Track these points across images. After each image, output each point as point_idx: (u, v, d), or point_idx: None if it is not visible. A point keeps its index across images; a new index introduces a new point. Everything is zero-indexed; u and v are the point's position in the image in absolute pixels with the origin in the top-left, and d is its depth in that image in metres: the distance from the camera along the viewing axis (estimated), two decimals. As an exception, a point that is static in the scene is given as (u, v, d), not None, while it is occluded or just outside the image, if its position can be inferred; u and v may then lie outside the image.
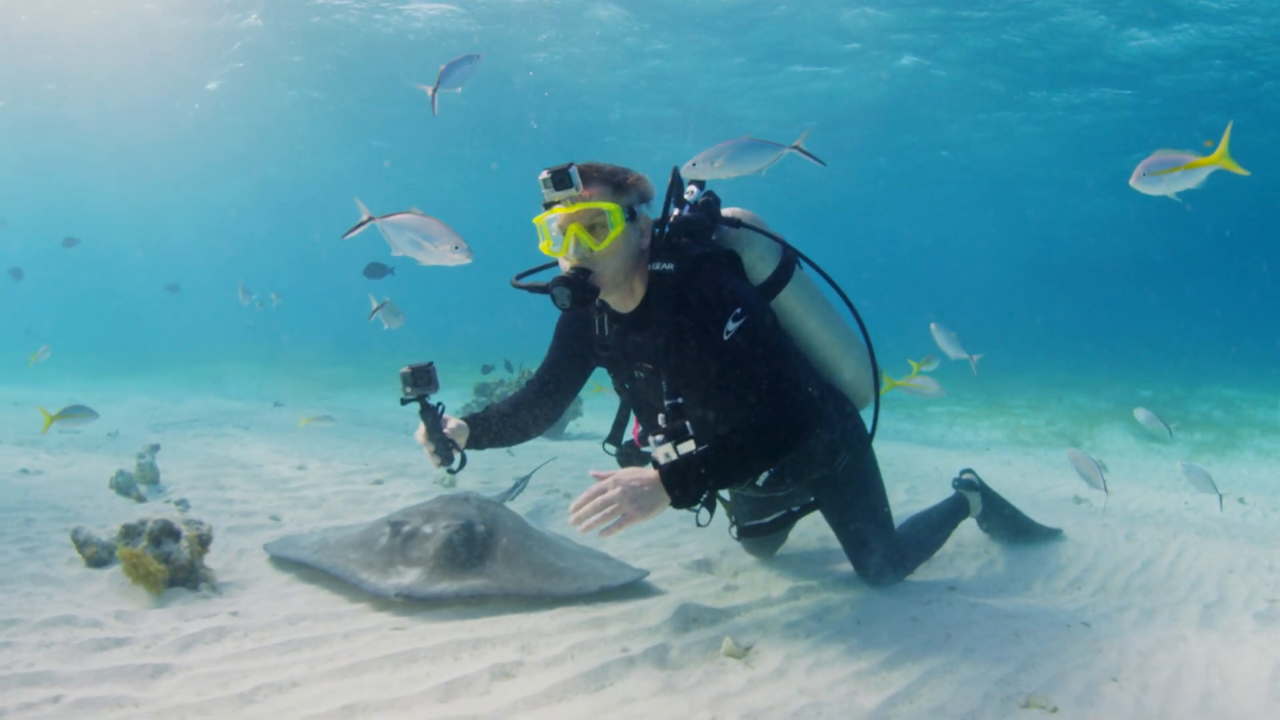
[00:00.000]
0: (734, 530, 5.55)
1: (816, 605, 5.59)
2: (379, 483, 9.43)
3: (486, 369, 17.68)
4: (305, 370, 29.94)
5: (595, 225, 4.63)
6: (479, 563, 5.35)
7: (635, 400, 5.37)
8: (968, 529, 7.61)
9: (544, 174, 4.57)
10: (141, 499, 8.16)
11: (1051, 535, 7.74)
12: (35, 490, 8.06)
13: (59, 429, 10.27)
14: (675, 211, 5.16)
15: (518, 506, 8.03)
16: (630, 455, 5.54)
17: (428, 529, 5.42)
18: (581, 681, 4.30)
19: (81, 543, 5.89)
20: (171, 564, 5.42)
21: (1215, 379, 26.63)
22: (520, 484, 8.76)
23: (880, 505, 5.84)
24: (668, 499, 4.26)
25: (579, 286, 4.61)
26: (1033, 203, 48.64)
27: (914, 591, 5.99)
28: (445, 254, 6.15)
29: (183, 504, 7.76)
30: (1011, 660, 4.74)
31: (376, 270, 14.60)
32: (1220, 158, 5.53)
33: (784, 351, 4.80)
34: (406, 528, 5.47)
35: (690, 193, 5.27)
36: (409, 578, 5.12)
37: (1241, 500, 10.98)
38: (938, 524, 6.70)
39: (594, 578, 5.56)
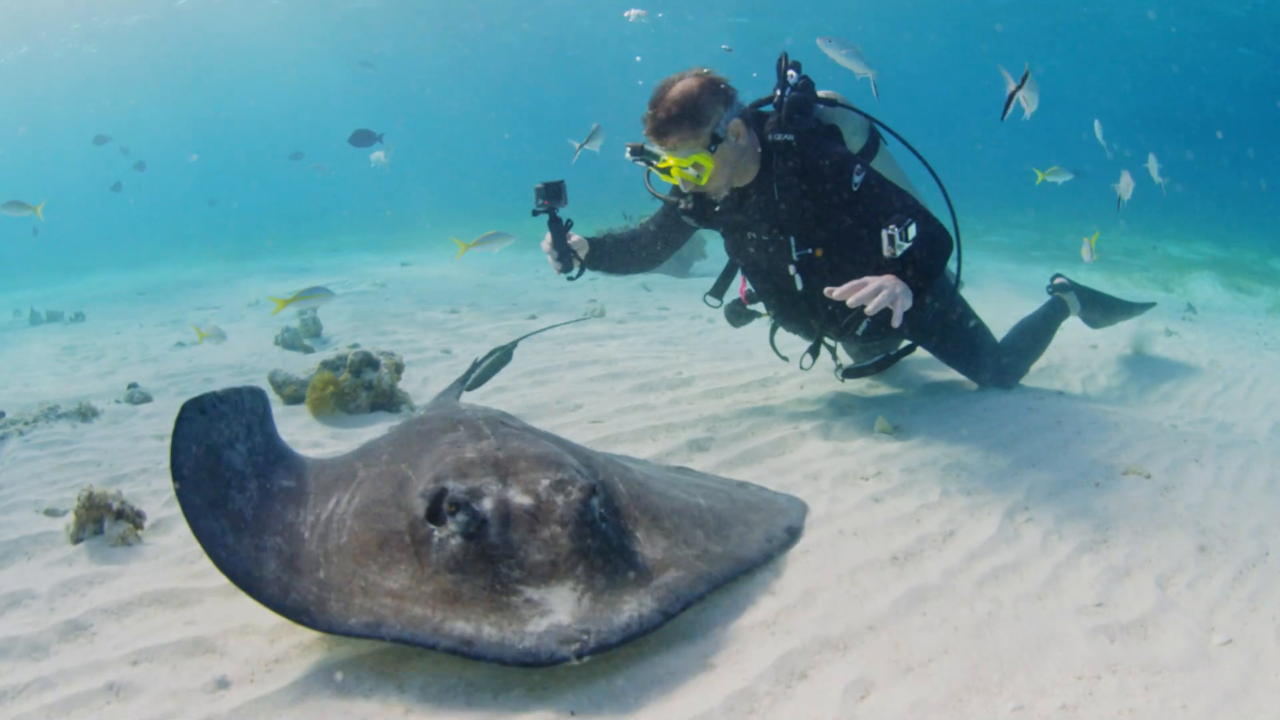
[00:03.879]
0: (839, 374, 6.78)
1: (948, 399, 7.12)
2: (533, 317, 11.20)
3: None
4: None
5: (689, 169, 5.83)
6: (629, 537, 3.85)
7: (746, 262, 6.69)
8: (1072, 347, 9.03)
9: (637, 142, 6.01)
10: (309, 350, 9.45)
11: (1147, 306, 9.21)
12: (200, 358, 9.41)
13: (296, 312, 11.26)
14: (777, 93, 6.28)
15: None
16: (738, 312, 7.04)
17: (522, 500, 3.57)
18: (767, 448, 6.04)
19: (280, 384, 7.17)
20: (375, 390, 6.84)
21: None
22: (494, 360, 7.27)
23: (975, 333, 7.17)
24: (912, 292, 5.19)
25: (699, 206, 6.27)
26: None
27: (1029, 392, 7.48)
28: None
29: (355, 347, 8.43)
30: (1113, 441, 6.16)
31: (364, 138, 15.76)
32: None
33: (904, 190, 6.01)
34: (463, 505, 3.51)
35: (790, 76, 6.35)
36: (567, 613, 3.24)
37: (1316, 347, 12.15)
38: (1040, 328, 8.05)
39: (763, 514, 4.73)
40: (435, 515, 3.55)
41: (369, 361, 6.92)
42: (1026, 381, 7.86)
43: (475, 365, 6.95)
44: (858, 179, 5.83)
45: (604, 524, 3.66)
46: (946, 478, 5.48)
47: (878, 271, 5.17)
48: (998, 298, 14.39)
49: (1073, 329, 9.22)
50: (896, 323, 5.03)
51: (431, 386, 7.66)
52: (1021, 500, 5.15)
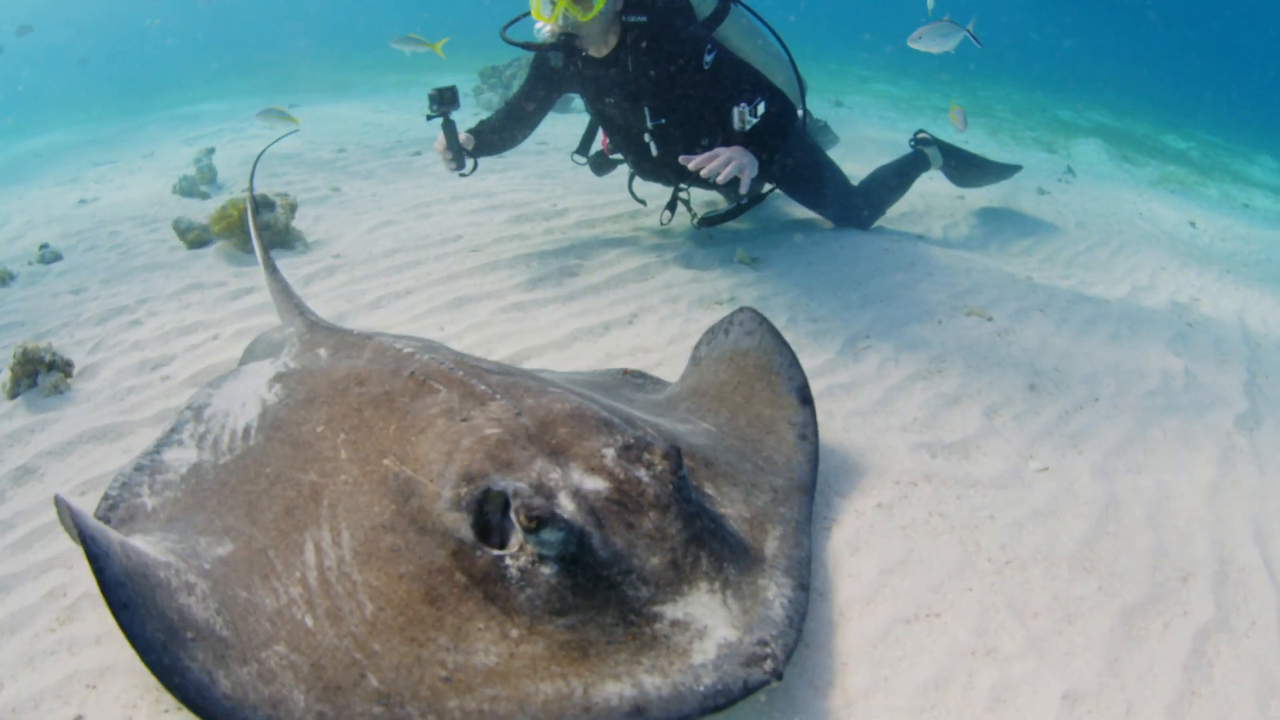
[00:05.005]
0: (695, 222, 7.42)
1: (808, 236, 7.62)
2: (417, 153, 11.71)
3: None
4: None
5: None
6: (709, 499, 3.32)
7: (605, 123, 7.25)
8: (939, 197, 9.50)
9: None
10: (206, 196, 9.88)
11: (1014, 169, 9.68)
12: (103, 212, 9.60)
13: (193, 160, 11.51)
14: None
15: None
16: (600, 163, 7.77)
17: (597, 485, 2.89)
18: (631, 274, 6.52)
19: (183, 230, 7.57)
20: (272, 230, 7.23)
21: (1207, 124, 28.28)
22: None
23: (822, 173, 7.77)
24: (758, 162, 5.98)
25: (569, 50, 6.43)
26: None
27: (888, 234, 8.00)
28: None
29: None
30: (961, 285, 6.71)
31: None
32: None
33: (754, 69, 6.57)
34: (545, 515, 2.68)
35: None
36: (724, 623, 2.68)
37: (1193, 224, 12.79)
38: (895, 175, 8.61)
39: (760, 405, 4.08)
40: (486, 532, 2.78)
41: (265, 203, 7.39)
42: (888, 225, 8.43)
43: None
44: (709, 58, 6.37)
45: (695, 493, 3.09)
46: (795, 306, 6.01)
47: (728, 143, 5.98)
48: (874, 146, 14.81)
49: (943, 177, 9.65)
50: (744, 189, 5.91)
51: (323, 225, 8.06)
52: (864, 330, 5.69)
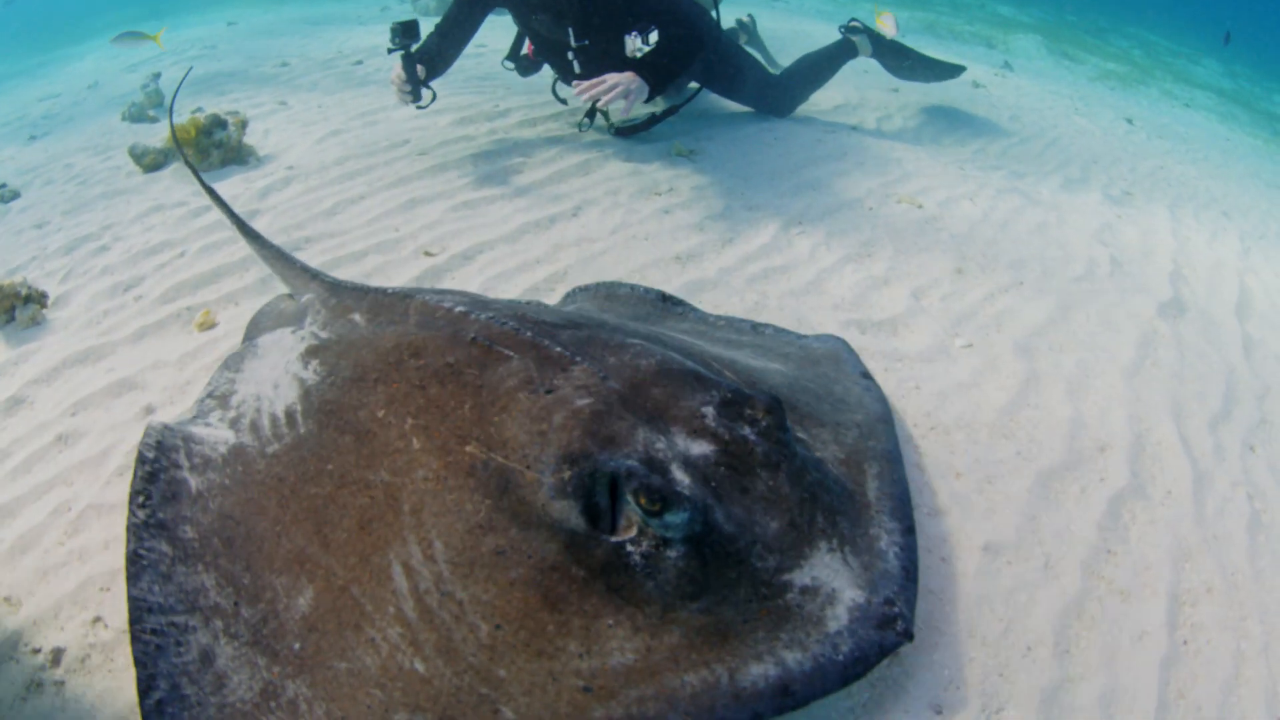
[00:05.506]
0: (612, 130, 7.61)
1: (743, 129, 7.84)
2: (359, 62, 11.87)
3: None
4: None
5: None
6: (805, 445, 3.18)
7: (533, 36, 7.50)
8: (873, 90, 9.74)
9: None
10: (155, 120, 9.93)
11: (955, 71, 9.68)
12: (54, 145, 9.58)
13: (140, 85, 11.45)
14: None
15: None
16: (526, 66, 8.04)
17: (705, 449, 2.73)
18: (574, 169, 6.71)
19: (139, 155, 7.63)
20: (225, 147, 7.35)
21: (1150, 24, 28.52)
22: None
23: (745, 68, 8.01)
24: (647, 87, 6.25)
25: None
26: None
27: (821, 125, 8.22)
28: None
29: (199, 110, 9.02)
30: (892, 174, 6.97)
31: None
32: None
33: None
34: (664, 492, 2.54)
35: None
36: (849, 583, 2.60)
37: (1129, 121, 13.07)
38: (822, 64, 8.83)
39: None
40: (596, 517, 2.58)
41: (218, 123, 7.48)
42: (822, 116, 8.67)
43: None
44: None
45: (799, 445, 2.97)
46: (731, 195, 6.23)
47: (622, 68, 6.29)
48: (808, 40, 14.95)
49: (879, 70, 9.84)
50: (625, 113, 6.28)
51: (273, 138, 8.15)
52: (797, 216, 5.94)
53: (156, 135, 8.20)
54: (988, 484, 3.68)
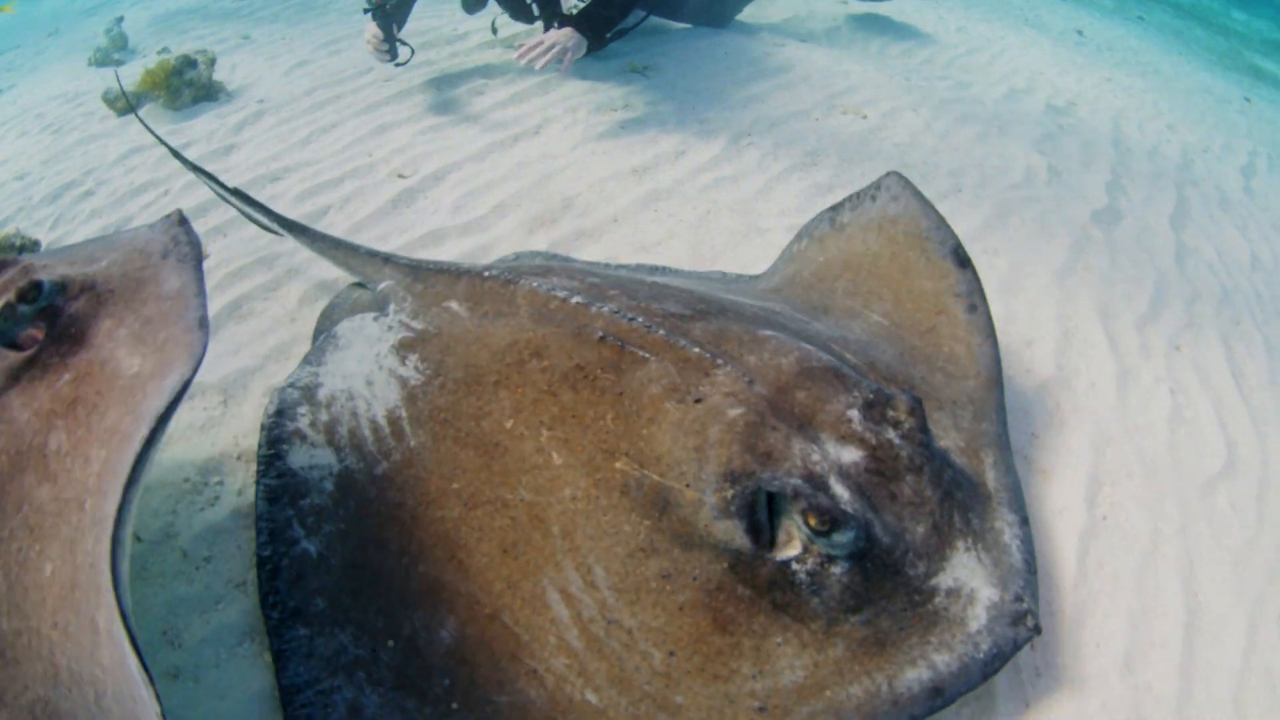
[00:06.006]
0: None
1: (694, 44, 8.15)
2: None
3: None
4: None
5: None
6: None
7: None
8: (822, 2, 10.14)
9: None
10: (121, 64, 9.83)
11: None
12: (23, 97, 9.57)
13: (104, 30, 11.10)
14: None
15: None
16: (472, 3, 8.21)
17: (855, 457, 2.79)
18: (534, 89, 7.09)
19: (112, 99, 7.75)
20: (196, 85, 7.53)
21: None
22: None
23: None
24: (586, 41, 6.50)
25: None
26: None
27: (770, 38, 8.58)
28: None
29: (165, 51, 9.26)
30: (838, 86, 7.37)
31: None
32: None
33: None
34: (829, 511, 2.62)
35: None
36: (984, 581, 2.74)
37: (1080, 32, 13.40)
38: None
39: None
40: (757, 534, 2.60)
41: (188, 62, 7.63)
42: (771, 29, 9.06)
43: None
44: None
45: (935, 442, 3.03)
46: (683, 109, 6.62)
47: (561, 24, 6.55)
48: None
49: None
50: (564, 70, 6.55)
51: (240, 72, 8.30)
52: (746, 128, 6.35)
53: (126, 78, 8.34)
54: (917, 372, 4.12)
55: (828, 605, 2.54)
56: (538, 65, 6.21)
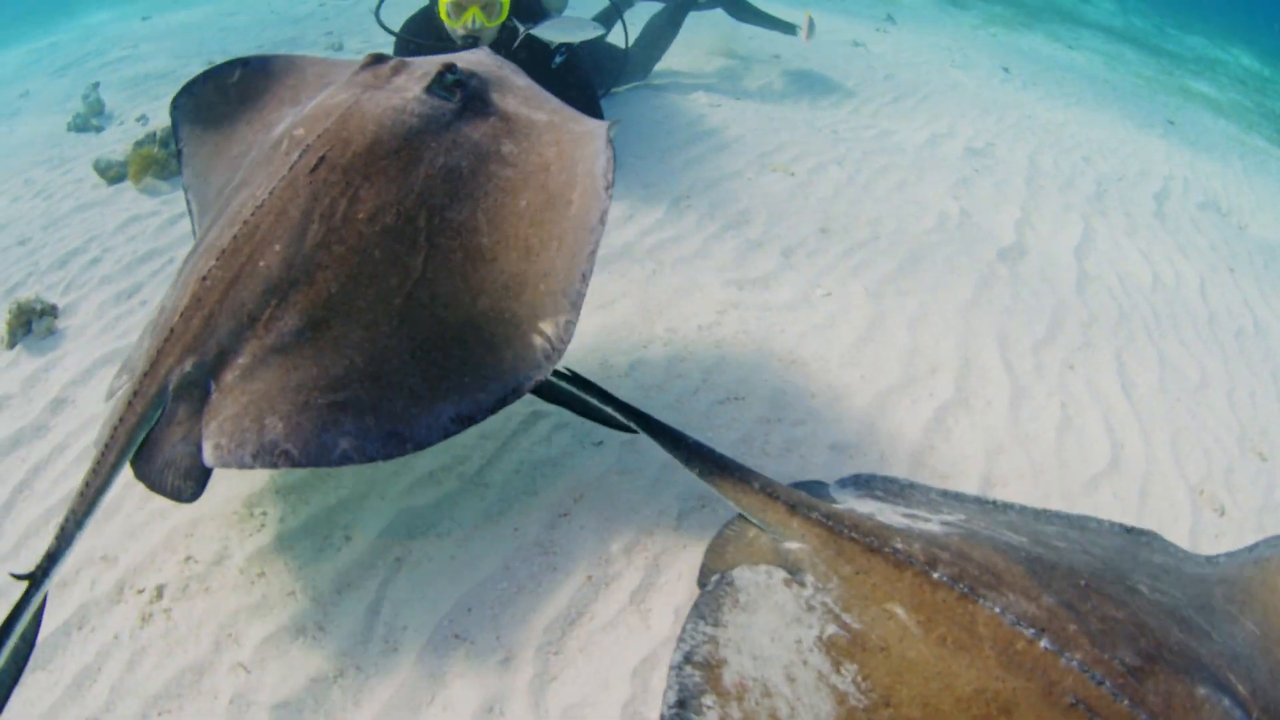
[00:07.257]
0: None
1: (636, 108, 9.15)
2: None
3: None
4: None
5: (489, 5, 7.10)
6: None
7: None
8: (756, 57, 11.31)
9: None
10: (100, 129, 10.35)
11: (789, 28, 11.14)
12: (5, 161, 9.92)
13: (81, 95, 11.39)
14: None
15: None
16: None
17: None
18: None
19: (104, 169, 8.29)
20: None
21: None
22: None
23: (605, 69, 9.09)
24: None
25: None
26: None
27: (704, 101, 9.54)
28: None
29: (143, 119, 9.88)
30: (770, 144, 8.37)
31: None
32: None
33: (585, 73, 7.89)
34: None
35: None
36: None
37: (1006, 69, 14.35)
38: (664, 25, 10.25)
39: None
40: None
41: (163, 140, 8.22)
42: (708, 85, 10.09)
43: None
44: (559, 59, 7.66)
45: None
46: (630, 173, 7.49)
47: None
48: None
49: (764, 37, 11.52)
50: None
51: None
52: (685, 191, 7.25)
53: (108, 146, 8.86)
54: (837, 402, 5.01)
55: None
56: None
